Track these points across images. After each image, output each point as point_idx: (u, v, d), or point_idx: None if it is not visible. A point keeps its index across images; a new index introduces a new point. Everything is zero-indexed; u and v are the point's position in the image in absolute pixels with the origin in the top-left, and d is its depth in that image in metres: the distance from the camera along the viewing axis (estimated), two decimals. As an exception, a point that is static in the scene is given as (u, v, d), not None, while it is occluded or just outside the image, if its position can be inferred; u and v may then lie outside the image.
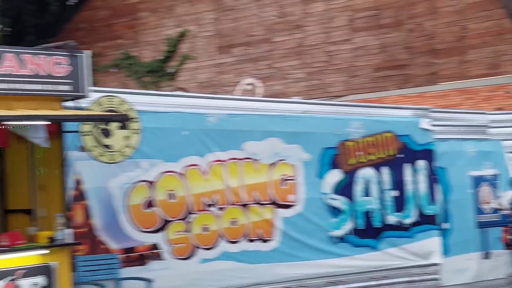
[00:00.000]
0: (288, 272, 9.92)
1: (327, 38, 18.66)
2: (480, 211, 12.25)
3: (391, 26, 17.77)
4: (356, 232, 10.70)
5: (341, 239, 10.55)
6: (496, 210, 12.40)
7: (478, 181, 12.34)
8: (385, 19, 17.85)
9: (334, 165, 10.65)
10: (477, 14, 16.45)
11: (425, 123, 11.66)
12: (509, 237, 12.19)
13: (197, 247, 9.25)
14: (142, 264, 8.79)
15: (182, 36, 20.36)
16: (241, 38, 19.78)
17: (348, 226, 10.64)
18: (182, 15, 20.52)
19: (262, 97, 17.59)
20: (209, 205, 9.39)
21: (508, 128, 12.99)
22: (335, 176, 10.65)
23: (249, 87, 19.24)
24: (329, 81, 18.63)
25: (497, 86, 16.19)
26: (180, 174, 9.19)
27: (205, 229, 9.33)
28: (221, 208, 9.48)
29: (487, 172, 12.45)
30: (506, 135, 12.86)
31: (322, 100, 15.80)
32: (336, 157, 10.68)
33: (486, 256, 12.10)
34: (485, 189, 12.38)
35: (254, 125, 9.88)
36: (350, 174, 10.81)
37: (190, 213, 9.23)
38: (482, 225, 12.21)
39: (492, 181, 12.48)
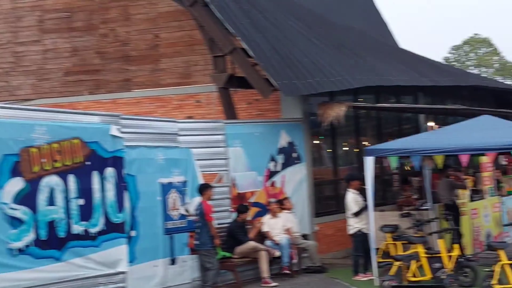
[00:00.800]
0: (-41, 290, 9.04)
1: (14, 38, 17.75)
2: (168, 218, 12.38)
3: (83, 30, 17.46)
4: (38, 243, 10.12)
5: (22, 251, 9.89)
6: (183, 216, 12.63)
7: (167, 188, 12.46)
8: (77, 22, 17.49)
9: (16, 173, 9.97)
10: (169, 23, 16.79)
11: (115, 130, 11.45)
12: (195, 242, 12.46)
13: None
14: None
15: None
16: None
17: (29, 237, 10.02)
18: None
19: None
20: None
21: (197, 136, 13.34)
22: (16, 184, 9.96)
23: None
24: (16, 83, 17.72)
25: (188, 95, 16.64)
26: None
27: None
28: None
29: (176, 179, 12.63)
30: (195, 143, 13.18)
31: (7, 103, 14.84)
32: (17, 164, 10.00)
33: (173, 262, 12.25)
34: (173, 196, 12.54)
35: None
36: (33, 183, 10.20)
37: None
38: (170, 231, 12.34)
39: (180, 188, 12.69)
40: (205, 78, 16.18)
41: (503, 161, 20.20)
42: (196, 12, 15.13)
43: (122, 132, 11.58)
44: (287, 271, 13.55)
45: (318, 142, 16.86)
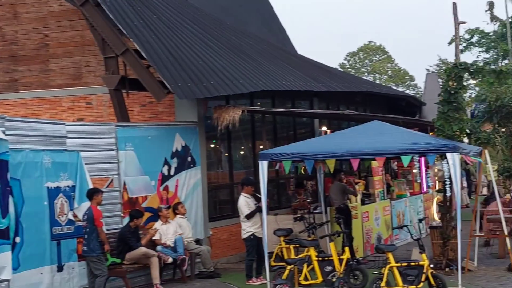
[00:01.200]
0: None
1: None
2: (55, 223, 11.97)
3: (-31, 28, 16.74)
4: None
5: None
6: (71, 222, 12.24)
7: (55, 192, 12.06)
8: (-37, 20, 16.74)
9: None
10: (59, 23, 16.36)
11: (-1, 132, 10.95)
12: (83, 248, 12.08)
13: None
14: None
15: None
16: None
17: None
18: None
19: None
20: None
21: (86, 140, 12.97)
22: None
23: None
24: None
25: (79, 97, 16.20)
26: None
27: None
28: None
29: (64, 183, 12.25)
30: (84, 146, 12.81)
31: None
32: None
33: (60, 268, 11.86)
34: (61, 201, 12.14)
35: None
36: None
37: None
38: (57, 237, 11.95)
39: (69, 193, 12.30)
40: (96, 79, 15.80)
41: (394, 165, 20.74)
42: (88, 11, 14.74)
43: (7, 135, 11.12)
44: (184, 256, 13.40)
45: (214, 146, 16.75)
